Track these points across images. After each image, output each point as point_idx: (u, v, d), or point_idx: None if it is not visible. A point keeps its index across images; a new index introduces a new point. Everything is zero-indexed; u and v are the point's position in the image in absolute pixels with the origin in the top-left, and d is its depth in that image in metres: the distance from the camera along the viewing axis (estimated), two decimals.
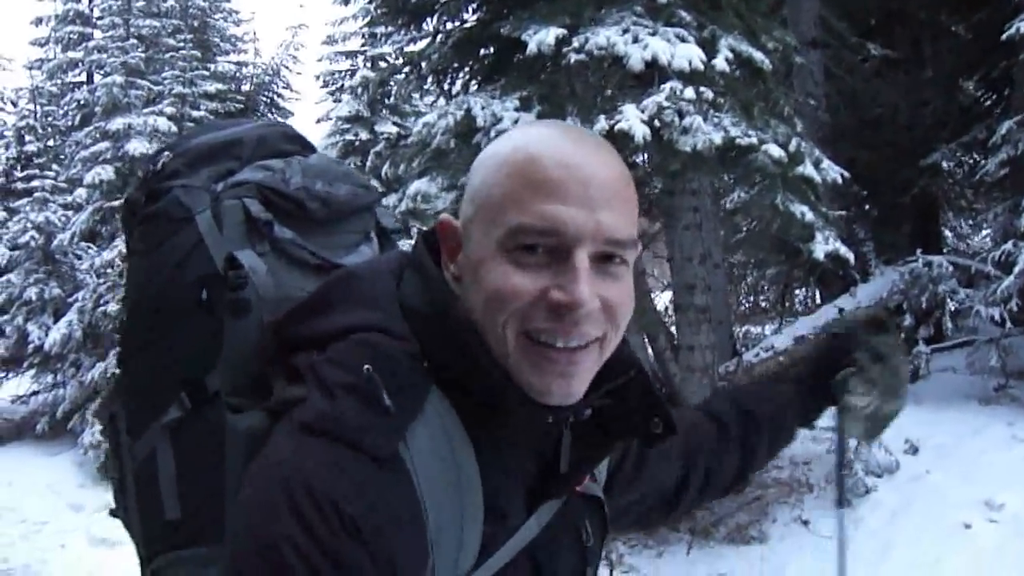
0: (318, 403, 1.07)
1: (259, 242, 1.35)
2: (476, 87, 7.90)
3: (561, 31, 5.99)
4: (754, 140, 5.81)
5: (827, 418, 1.93)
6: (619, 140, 5.37)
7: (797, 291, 13.43)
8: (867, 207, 11.64)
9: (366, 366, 1.08)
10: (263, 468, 1.06)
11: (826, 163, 6.33)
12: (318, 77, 22.05)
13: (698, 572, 6.35)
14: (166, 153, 1.48)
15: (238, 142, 1.49)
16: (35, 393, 13.39)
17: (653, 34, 5.94)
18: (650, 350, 8.46)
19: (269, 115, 21.20)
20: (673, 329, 8.30)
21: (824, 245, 6.22)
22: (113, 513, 1.53)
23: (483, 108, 6.21)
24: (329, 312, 1.19)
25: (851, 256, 6.41)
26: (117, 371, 1.54)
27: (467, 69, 8.47)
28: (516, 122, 5.95)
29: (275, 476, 1.04)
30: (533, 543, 1.20)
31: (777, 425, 1.81)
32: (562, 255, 1.08)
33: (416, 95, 14.00)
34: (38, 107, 17.48)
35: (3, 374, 14.05)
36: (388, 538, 1.03)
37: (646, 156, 6.42)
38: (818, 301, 11.35)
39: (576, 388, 1.13)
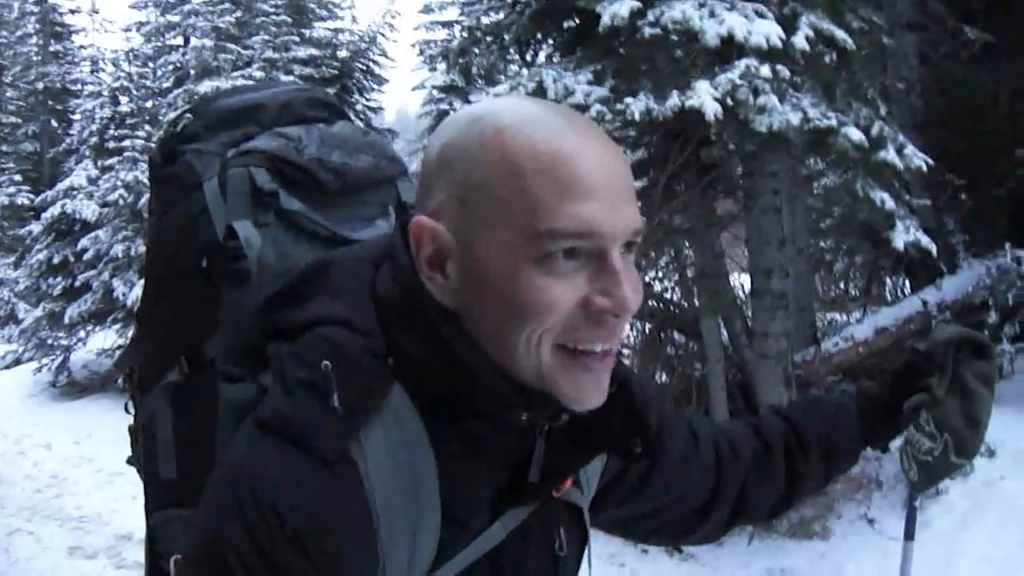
0: (276, 400, 1.05)
1: (263, 213, 1.30)
2: (558, 59, 7.74)
3: (636, 3, 5.79)
4: (833, 123, 5.59)
5: None
6: (690, 117, 5.24)
7: (887, 279, 13.03)
8: (961, 197, 11.25)
9: (324, 362, 1.03)
10: (222, 465, 1.06)
11: (910, 149, 6.07)
12: (414, 45, 21.99)
13: (758, 564, 6.24)
14: (187, 115, 1.45)
15: (261, 107, 1.43)
16: (120, 347, 13.82)
17: (730, 9, 5.74)
18: (725, 334, 8.31)
19: (364, 82, 20.99)
20: (749, 314, 8.11)
21: (904, 234, 5.99)
22: (129, 460, 1.53)
23: (555, 81, 6.07)
24: (299, 302, 1.15)
25: (933, 247, 6.18)
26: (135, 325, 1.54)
27: (550, 41, 8.29)
28: (588, 96, 5.85)
29: (228, 477, 1.03)
30: (497, 548, 1.16)
31: (834, 448, 1.65)
32: (597, 257, 1.02)
33: (512, 66, 13.90)
34: (132, 69, 17.87)
35: (90, 327, 14.53)
36: (332, 546, 1.00)
37: (724, 136, 6.24)
38: (907, 291, 10.98)
39: (605, 391, 1.08)
